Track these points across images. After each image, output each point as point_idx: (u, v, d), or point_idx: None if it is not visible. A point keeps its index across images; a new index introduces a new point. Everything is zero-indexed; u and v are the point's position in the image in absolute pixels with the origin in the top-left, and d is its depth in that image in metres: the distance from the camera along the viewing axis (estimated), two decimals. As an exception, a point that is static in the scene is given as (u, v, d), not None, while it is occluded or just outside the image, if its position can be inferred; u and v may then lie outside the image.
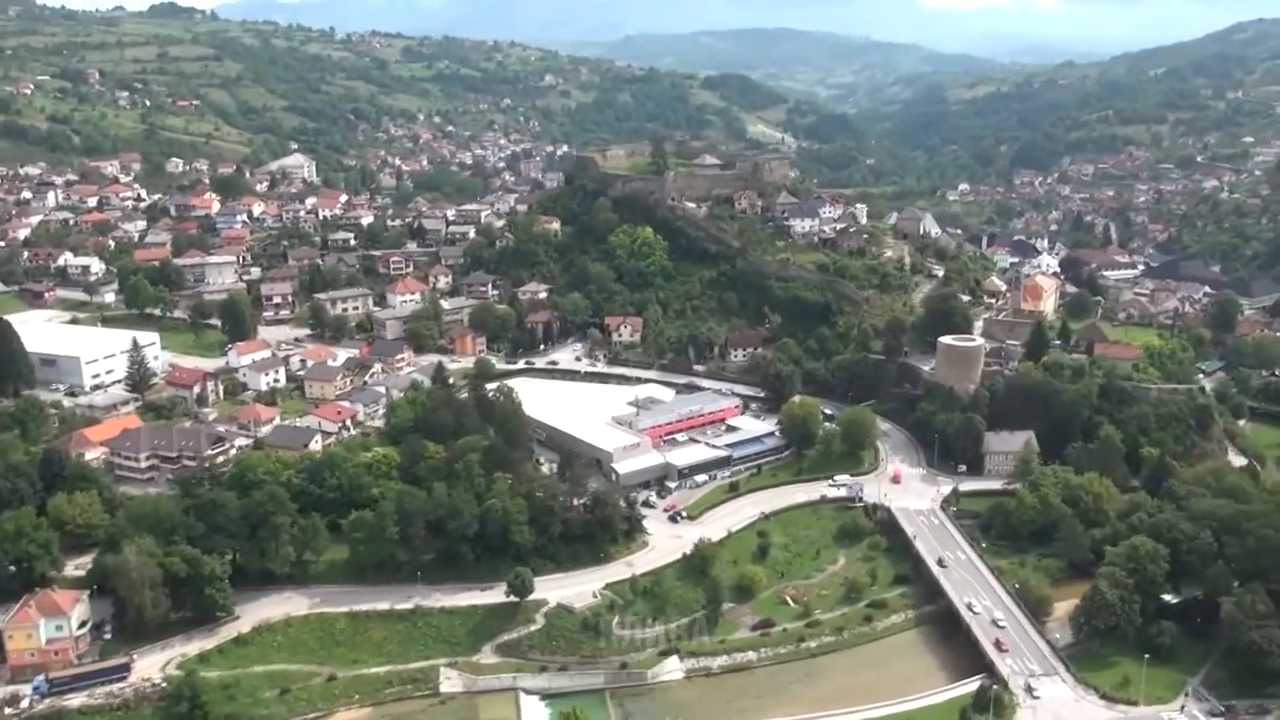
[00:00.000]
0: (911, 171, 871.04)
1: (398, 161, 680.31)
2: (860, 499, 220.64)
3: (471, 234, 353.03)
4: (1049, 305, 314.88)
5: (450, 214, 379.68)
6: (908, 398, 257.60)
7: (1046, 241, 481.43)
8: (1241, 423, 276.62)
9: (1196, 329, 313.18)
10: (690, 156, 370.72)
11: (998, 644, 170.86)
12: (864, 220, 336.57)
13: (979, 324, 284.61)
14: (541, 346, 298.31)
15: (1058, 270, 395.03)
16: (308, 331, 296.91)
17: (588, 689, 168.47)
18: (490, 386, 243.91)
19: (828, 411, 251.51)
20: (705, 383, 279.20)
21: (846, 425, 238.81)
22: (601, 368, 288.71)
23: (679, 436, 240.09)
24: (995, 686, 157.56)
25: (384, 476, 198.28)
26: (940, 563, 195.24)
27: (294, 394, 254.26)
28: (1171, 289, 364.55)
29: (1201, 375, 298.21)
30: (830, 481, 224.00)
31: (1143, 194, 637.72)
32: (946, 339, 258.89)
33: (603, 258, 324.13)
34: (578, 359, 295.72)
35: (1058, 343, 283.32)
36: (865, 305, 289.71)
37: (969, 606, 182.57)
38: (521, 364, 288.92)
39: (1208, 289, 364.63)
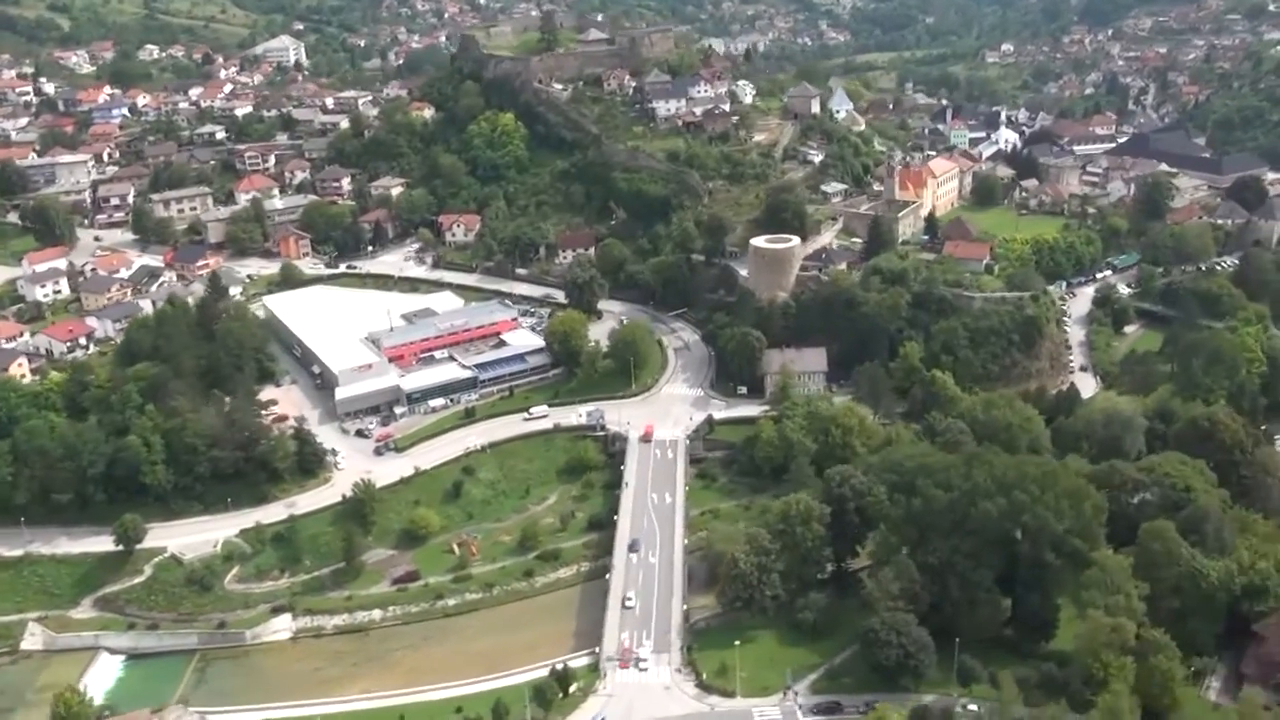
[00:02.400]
0: (975, 29, 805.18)
1: (415, 40, 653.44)
2: (602, 427, 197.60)
3: (343, 125, 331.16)
4: (941, 193, 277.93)
5: (329, 102, 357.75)
6: (721, 305, 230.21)
7: (1024, 112, 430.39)
8: (1130, 329, 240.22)
9: (1113, 217, 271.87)
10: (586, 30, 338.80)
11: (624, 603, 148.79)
12: (748, 99, 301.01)
13: (834, 222, 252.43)
14: (369, 249, 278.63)
15: (1015, 146, 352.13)
16: (134, 236, 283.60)
17: (178, 649, 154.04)
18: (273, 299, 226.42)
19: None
20: (524, 288, 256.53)
21: (616, 341, 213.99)
22: (422, 272, 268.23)
23: (439, 353, 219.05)
24: (564, 668, 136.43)
25: (49, 407, 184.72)
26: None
27: (72, 306, 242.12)
28: (1126, 168, 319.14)
29: (1111, 271, 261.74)
30: (526, 414, 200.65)
31: (1195, 51, 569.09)
32: (758, 240, 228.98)
33: (463, 148, 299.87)
34: (408, 261, 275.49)
35: (925, 238, 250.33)
36: (708, 198, 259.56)
37: (634, 541, 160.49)
38: (343, 268, 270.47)
39: (1164, 167, 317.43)
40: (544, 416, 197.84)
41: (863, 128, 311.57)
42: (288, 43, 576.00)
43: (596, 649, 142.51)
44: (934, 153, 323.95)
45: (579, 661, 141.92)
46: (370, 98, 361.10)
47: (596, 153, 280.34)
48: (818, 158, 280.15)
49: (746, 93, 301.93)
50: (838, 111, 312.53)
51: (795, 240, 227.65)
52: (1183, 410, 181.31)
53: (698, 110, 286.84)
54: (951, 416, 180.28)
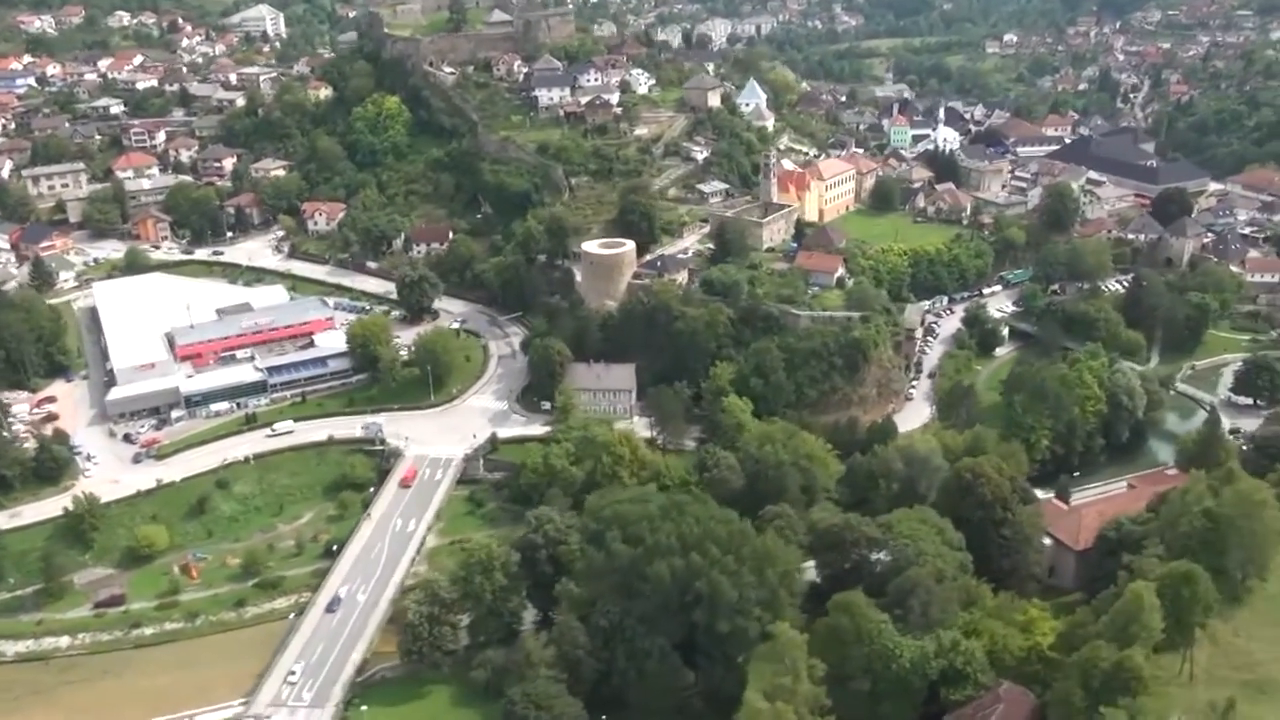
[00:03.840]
0: (992, 17, 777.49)
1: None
2: (381, 441, 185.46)
3: (240, 102, 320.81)
4: (832, 197, 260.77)
5: (232, 78, 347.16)
6: (555, 311, 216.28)
7: (981, 109, 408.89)
8: (1002, 352, 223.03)
9: (1010, 229, 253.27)
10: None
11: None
12: (643, 89, 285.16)
13: (702, 224, 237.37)
14: (230, 235, 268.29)
15: (953, 146, 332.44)
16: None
17: None
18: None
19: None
20: (372, 284, 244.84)
21: (418, 348, 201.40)
22: (275, 262, 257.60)
23: (241, 353, 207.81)
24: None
25: None
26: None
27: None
28: (1055, 174, 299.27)
29: (1002, 287, 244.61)
30: (268, 432, 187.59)
31: (1197, 48, 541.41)
32: (589, 244, 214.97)
33: (348, 130, 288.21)
34: (270, 249, 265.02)
35: (794, 247, 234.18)
36: (569, 195, 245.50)
37: (334, 600, 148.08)
38: (206, 254, 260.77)
39: (1092, 174, 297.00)
40: (289, 432, 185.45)
41: (770, 123, 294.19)
42: (264, 11, 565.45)
43: (247, 699, 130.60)
44: (855, 150, 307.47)
45: (226, 713, 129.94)
46: (275, 74, 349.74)
47: (471, 142, 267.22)
48: (702, 155, 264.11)
49: (641, 82, 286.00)
50: (745, 105, 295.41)
51: (628, 246, 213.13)
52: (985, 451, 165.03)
53: (583, 100, 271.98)
54: (737, 448, 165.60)
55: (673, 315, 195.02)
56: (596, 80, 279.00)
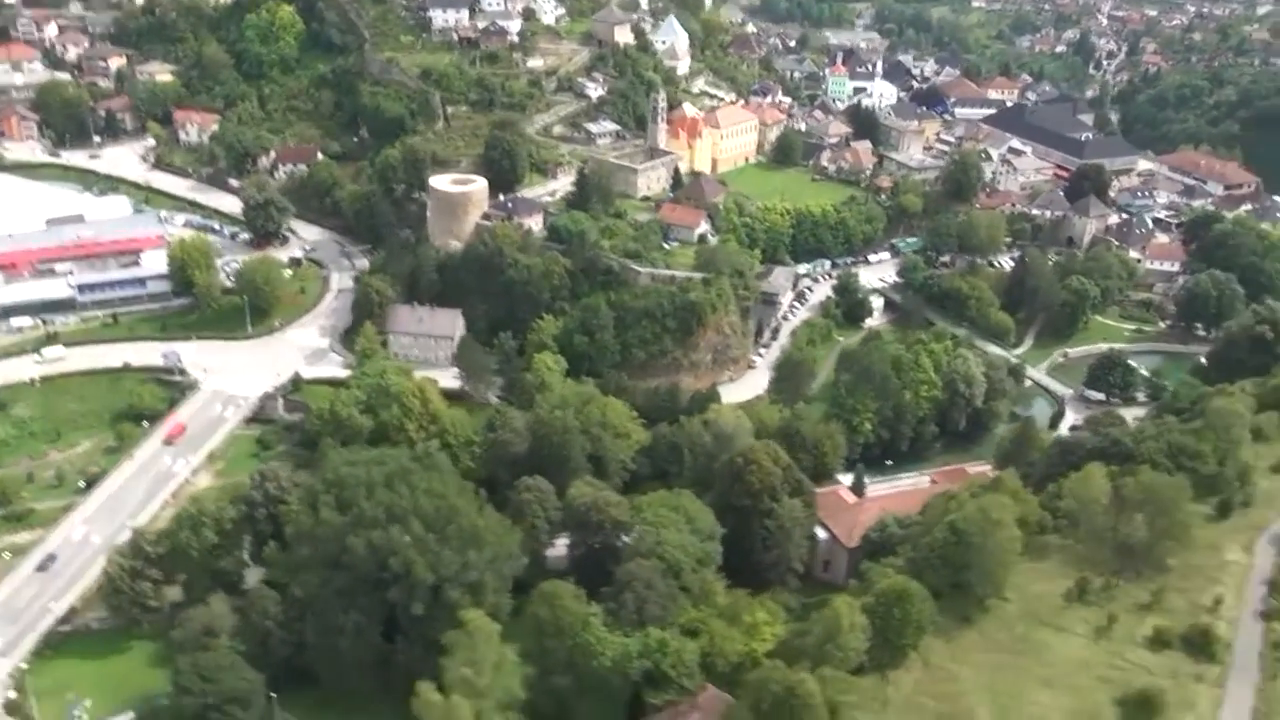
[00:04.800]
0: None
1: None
2: (180, 371, 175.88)
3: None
4: (729, 147, 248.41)
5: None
6: (405, 246, 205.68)
7: (932, 64, 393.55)
8: (871, 323, 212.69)
9: (907, 195, 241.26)
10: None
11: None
12: (549, 18, 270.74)
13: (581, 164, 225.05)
14: (97, 139, 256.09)
15: (887, 103, 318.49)
16: None
17: None
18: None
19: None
20: (230, 203, 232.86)
21: (239, 275, 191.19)
22: (137, 172, 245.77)
23: (61, 266, 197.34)
24: None
25: None
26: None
27: None
28: (979, 138, 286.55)
29: (892, 255, 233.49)
30: (36, 358, 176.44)
31: (1183, 17, 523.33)
32: (437, 179, 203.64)
33: (239, 38, 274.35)
34: (140, 157, 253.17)
35: (670, 196, 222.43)
36: (445, 124, 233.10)
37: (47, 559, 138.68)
38: (77, 158, 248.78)
39: (1017, 144, 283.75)
40: (60, 359, 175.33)
41: (684, 64, 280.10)
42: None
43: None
44: (780, 100, 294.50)
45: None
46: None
47: (356, 60, 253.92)
48: (596, 93, 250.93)
49: (548, 10, 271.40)
50: (661, 43, 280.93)
51: (477, 183, 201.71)
52: (800, 431, 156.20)
53: (480, 24, 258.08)
54: (538, 410, 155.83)
55: (506, 262, 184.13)
56: (498, 5, 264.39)
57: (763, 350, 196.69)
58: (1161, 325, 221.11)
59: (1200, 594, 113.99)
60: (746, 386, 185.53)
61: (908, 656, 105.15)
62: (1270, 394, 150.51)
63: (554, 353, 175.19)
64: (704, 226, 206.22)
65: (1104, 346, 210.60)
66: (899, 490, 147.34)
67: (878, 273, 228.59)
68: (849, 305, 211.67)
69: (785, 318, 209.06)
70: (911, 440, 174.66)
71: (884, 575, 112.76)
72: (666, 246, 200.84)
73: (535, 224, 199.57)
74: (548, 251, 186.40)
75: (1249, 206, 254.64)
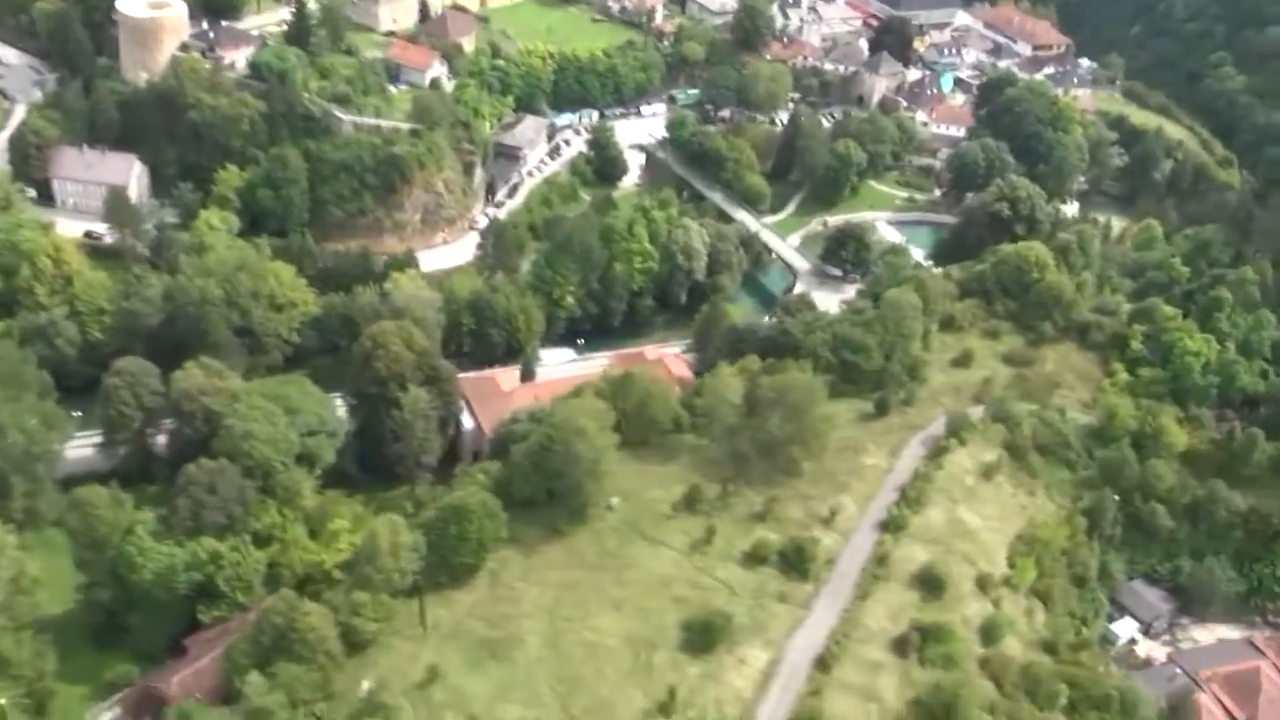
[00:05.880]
0: None
1: None
2: None
3: None
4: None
5: None
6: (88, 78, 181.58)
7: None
8: (627, 183, 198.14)
9: (689, 42, 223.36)
10: None
11: None
12: None
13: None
14: None
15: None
16: None
17: None
18: None
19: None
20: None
21: None
22: None
23: None
24: None
25: None
26: None
27: None
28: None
29: (668, 107, 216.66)
30: None
31: None
32: (129, 1, 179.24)
33: None
34: None
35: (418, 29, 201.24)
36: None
37: None
38: None
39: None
40: None
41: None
42: None
43: None
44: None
45: None
46: None
47: None
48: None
49: None
50: None
51: (173, 8, 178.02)
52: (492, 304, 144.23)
53: None
54: (179, 276, 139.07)
55: (189, 102, 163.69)
56: None
57: (491, 211, 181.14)
58: (936, 193, 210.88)
59: (821, 503, 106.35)
60: (465, 251, 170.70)
61: (475, 575, 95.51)
62: (973, 280, 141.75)
63: (236, 208, 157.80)
64: (438, 69, 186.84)
65: (869, 215, 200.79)
66: (572, 376, 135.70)
67: (650, 127, 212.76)
68: (602, 163, 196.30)
69: (531, 174, 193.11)
70: (628, 315, 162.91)
71: (471, 481, 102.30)
72: (393, 90, 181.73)
73: (244, 58, 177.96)
74: (240, 92, 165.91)
75: (1050, 70, 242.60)
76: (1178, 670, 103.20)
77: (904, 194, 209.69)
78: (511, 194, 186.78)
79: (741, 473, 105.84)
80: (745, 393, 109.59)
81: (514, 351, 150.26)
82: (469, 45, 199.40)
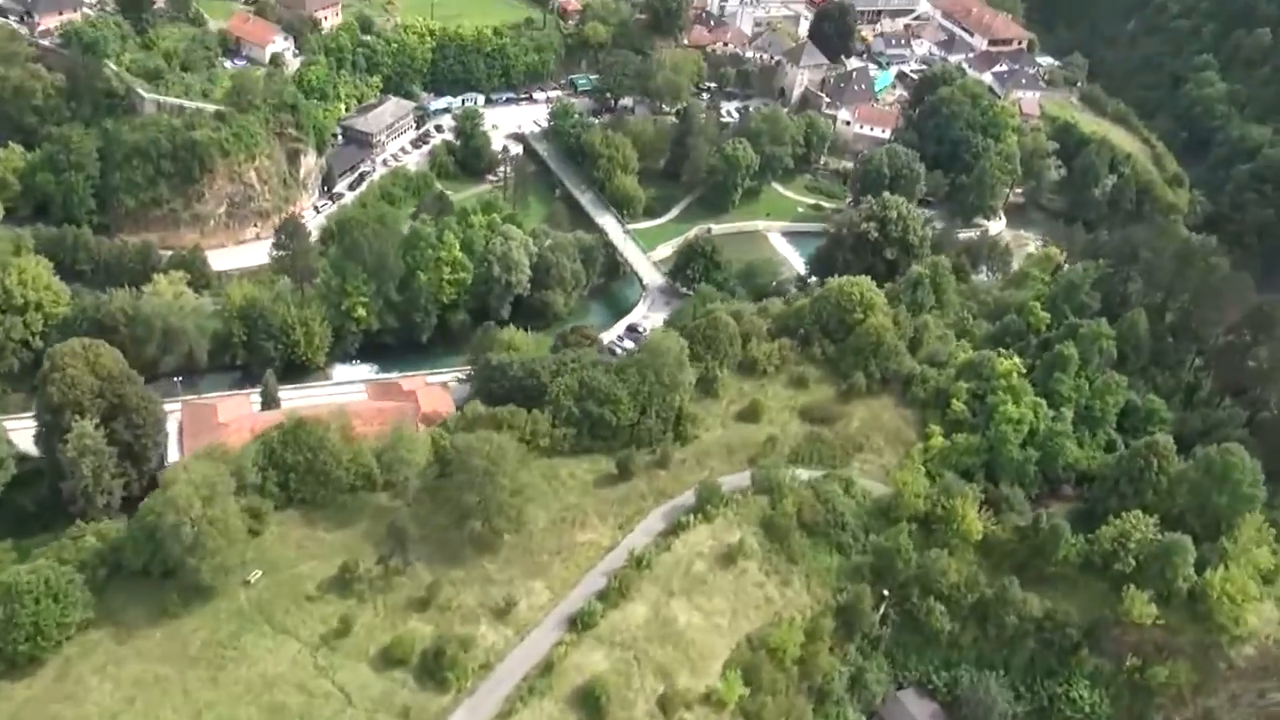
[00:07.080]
0: None
1: None
2: None
3: None
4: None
5: None
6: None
7: None
8: (496, 178, 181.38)
9: (594, 22, 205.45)
10: None
11: None
12: None
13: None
14: None
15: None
16: None
17: None
18: None
19: None
20: None
21: None
22: None
23: None
24: None
25: None
26: None
27: None
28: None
29: (565, 93, 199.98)
30: None
31: None
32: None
33: None
34: None
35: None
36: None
37: None
38: None
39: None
40: None
41: None
42: None
43: None
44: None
45: None
46: None
47: None
48: None
49: None
50: None
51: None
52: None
53: None
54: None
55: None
56: None
57: (325, 204, 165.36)
58: (846, 202, 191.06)
59: (503, 589, 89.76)
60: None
61: (42, 664, 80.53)
62: (790, 317, 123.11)
63: (17, 193, 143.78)
64: (281, 44, 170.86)
65: (759, 225, 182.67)
66: (322, 405, 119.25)
67: (541, 115, 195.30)
68: (466, 154, 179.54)
69: (387, 163, 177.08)
70: (440, 330, 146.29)
71: (75, 547, 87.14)
72: (228, 66, 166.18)
73: (53, 24, 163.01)
74: (36, 64, 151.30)
75: (1002, 67, 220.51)
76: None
77: (810, 201, 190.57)
78: (356, 185, 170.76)
79: (395, 549, 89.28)
80: (435, 450, 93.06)
81: (297, 368, 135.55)
82: (332, 19, 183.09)
